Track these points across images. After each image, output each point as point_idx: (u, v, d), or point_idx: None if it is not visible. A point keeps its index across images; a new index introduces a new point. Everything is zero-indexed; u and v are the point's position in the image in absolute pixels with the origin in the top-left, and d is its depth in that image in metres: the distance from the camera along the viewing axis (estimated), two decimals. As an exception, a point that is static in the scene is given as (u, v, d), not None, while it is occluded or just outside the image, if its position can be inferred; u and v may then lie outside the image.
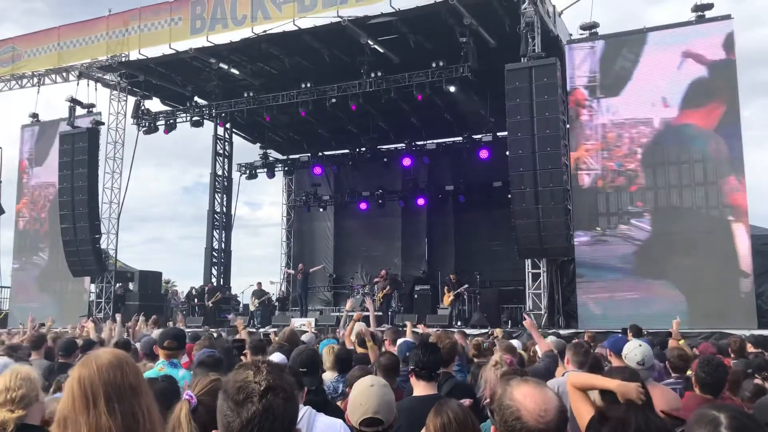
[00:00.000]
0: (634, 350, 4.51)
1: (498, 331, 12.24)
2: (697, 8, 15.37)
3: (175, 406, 2.51)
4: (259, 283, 21.50)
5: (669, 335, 11.15)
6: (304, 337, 8.37)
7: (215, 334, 10.90)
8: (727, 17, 15.21)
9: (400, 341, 6.53)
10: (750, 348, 7.75)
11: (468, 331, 14.83)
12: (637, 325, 10.75)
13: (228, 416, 1.75)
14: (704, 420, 1.97)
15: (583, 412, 3.06)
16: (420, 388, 3.98)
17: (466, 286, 18.70)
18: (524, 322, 7.38)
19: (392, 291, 19.61)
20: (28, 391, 2.97)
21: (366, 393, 2.84)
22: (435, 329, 11.03)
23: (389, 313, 18.78)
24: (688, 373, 5.89)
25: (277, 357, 5.22)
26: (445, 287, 19.11)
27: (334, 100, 18.90)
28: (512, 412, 2.03)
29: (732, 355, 7.37)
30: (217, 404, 1.83)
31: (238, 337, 8.94)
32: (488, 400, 4.14)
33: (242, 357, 5.82)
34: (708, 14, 15.38)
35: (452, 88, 17.12)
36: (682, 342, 10.02)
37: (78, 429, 2.04)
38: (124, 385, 2.09)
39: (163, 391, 3.32)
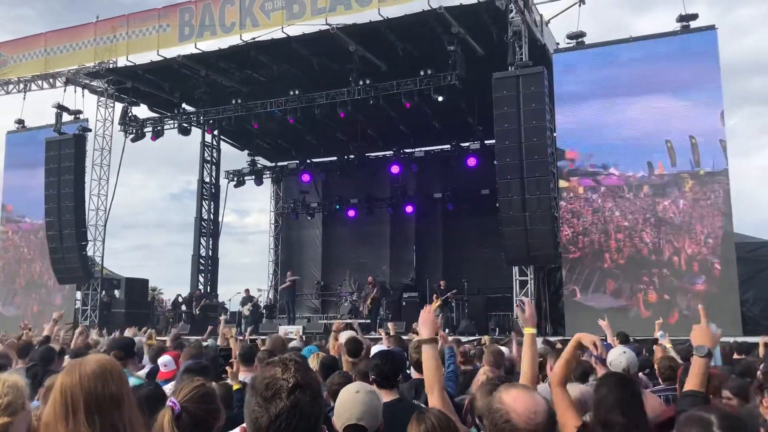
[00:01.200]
0: (619, 357, 4.54)
1: (486, 339, 12.27)
2: (681, 18, 15.54)
3: (159, 412, 2.51)
4: (247, 290, 21.44)
5: (655, 342, 11.23)
6: (292, 345, 8.35)
7: (207, 342, 10.82)
8: (712, 27, 15.39)
9: (374, 348, 6.52)
10: (734, 355, 7.82)
11: (456, 338, 14.84)
12: (624, 333, 10.79)
13: (256, 411, 1.80)
14: (695, 421, 1.99)
15: (568, 422, 3.06)
16: (383, 396, 3.99)
17: (454, 291, 18.72)
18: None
19: (380, 297, 19.61)
20: (14, 398, 2.94)
21: (351, 400, 2.85)
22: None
23: (377, 320, 18.77)
24: None
25: None
26: (434, 294, 19.11)
27: (318, 110, 18.94)
28: (502, 415, 2.06)
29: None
30: (245, 400, 1.88)
31: (224, 345, 8.88)
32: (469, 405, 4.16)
33: (228, 367, 5.78)
34: (693, 24, 15.55)
35: (440, 98, 17.18)
36: (669, 346, 10.07)
37: None
38: (105, 396, 2.08)
39: (147, 396, 3.31)
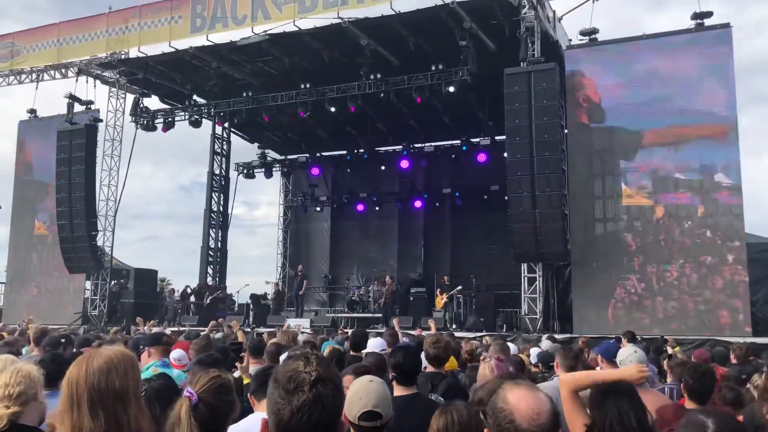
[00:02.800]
0: (630, 356, 4.52)
1: (487, 339, 12.19)
2: (696, 16, 15.43)
3: (173, 403, 2.52)
4: (276, 284, 21.66)
5: (664, 341, 11.21)
6: (304, 338, 8.37)
7: (217, 334, 10.85)
8: (726, 26, 15.28)
9: (375, 341, 6.52)
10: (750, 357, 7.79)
11: (463, 334, 14.86)
12: (631, 331, 10.78)
13: (279, 404, 1.84)
14: (692, 424, 2.00)
15: (577, 424, 3.04)
16: (399, 390, 4.06)
17: (459, 287, 18.71)
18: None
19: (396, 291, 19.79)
20: (26, 388, 2.95)
21: (365, 388, 2.88)
22: (429, 332, 11.04)
23: (382, 315, 18.85)
24: None
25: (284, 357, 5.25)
26: (438, 290, 19.12)
27: (332, 109, 18.92)
28: (506, 415, 2.04)
29: (735, 362, 7.40)
30: (267, 393, 1.91)
31: (233, 339, 8.92)
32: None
33: (238, 362, 5.81)
34: (707, 22, 15.44)
35: (451, 89, 17.13)
36: (677, 349, 10.07)
37: (65, 426, 2.09)
38: (108, 390, 2.10)
39: (159, 389, 3.32)
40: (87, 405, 2.06)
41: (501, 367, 4.73)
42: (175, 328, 16.71)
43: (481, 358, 5.25)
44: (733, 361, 7.58)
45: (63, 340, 6.64)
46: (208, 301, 21.39)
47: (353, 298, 21.20)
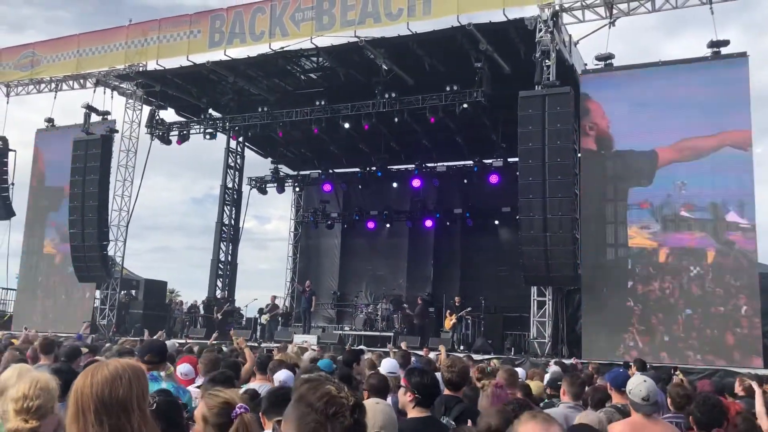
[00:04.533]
0: (639, 386, 4.47)
1: (494, 362, 12.11)
2: (713, 44, 15.41)
3: (175, 418, 2.54)
4: (273, 297, 21.58)
5: (674, 369, 11.10)
6: (306, 356, 8.35)
7: (223, 347, 10.88)
8: (743, 54, 15.25)
9: (389, 362, 6.53)
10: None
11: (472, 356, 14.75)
12: (641, 359, 10.67)
13: (317, 429, 1.83)
14: None
15: None
16: (415, 412, 4.06)
17: (469, 309, 18.63)
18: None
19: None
20: (45, 401, 2.95)
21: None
22: (437, 353, 10.99)
23: (392, 334, 18.78)
24: None
25: (282, 374, 5.23)
26: (448, 311, 19.04)
27: (347, 125, 19.01)
28: None
29: (742, 394, 7.29)
30: (295, 416, 1.88)
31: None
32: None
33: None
34: (724, 51, 15.42)
35: (465, 105, 17.19)
36: (680, 376, 9.95)
37: None
38: (113, 401, 2.12)
39: (159, 406, 3.31)
40: (92, 414, 2.09)
41: (497, 393, 4.69)
42: (183, 341, 16.71)
43: (480, 385, 5.20)
44: (739, 392, 7.47)
45: (86, 350, 6.63)
46: (220, 316, 21.44)
47: (361, 315, 21.16)
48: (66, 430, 2.16)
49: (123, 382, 2.16)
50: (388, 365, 6.36)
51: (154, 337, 12.13)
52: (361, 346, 15.41)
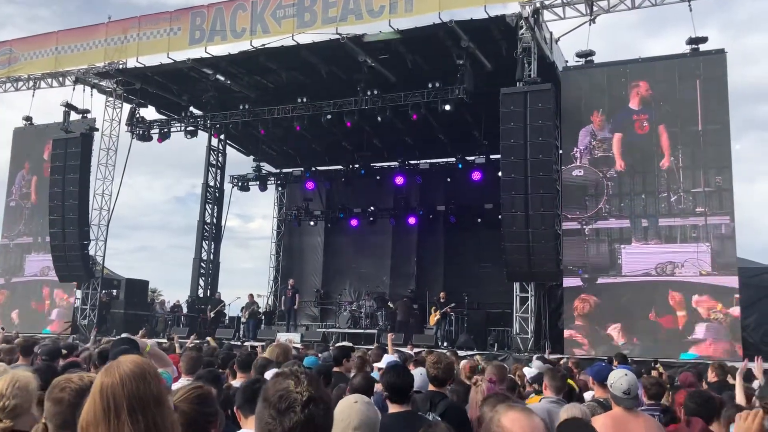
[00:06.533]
0: (620, 379, 4.50)
1: (477, 357, 12.16)
2: (691, 41, 15.57)
3: None
4: (251, 295, 21.46)
5: (655, 362, 11.20)
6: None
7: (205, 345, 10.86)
8: (721, 51, 15.41)
9: (388, 358, 6.55)
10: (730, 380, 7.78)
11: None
12: (623, 353, 10.78)
13: (269, 424, 1.83)
14: None
15: None
16: (394, 408, 4.10)
17: (452, 305, 18.69)
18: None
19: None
20: (22, 401, 2.89)
21: (348, 409, 2.88)
22: (422, 350, 11.02)
23: (376, 331, 18.80)
24: (663, 401, 5.94)
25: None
26: (432, 307, 19.09)
27: (329, 116, 18.93)
28: None
29: (714, 380, 7.44)
30: (256, 411, 1.90)
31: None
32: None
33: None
34: (702, 47, 15.58)
35: (447, 107, 17.21)
36: (659, 368, 10.05)
37: None
38: (147, 396, 2.06)
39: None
40: (127, 413, 2.00)
41: (492, 388, 4.72)
42: (164, 340, 16.60)
43: (472, 381, 5.22)
44: (712, 379, 7.61)
45: (65, 351, 6.55)
46: (213, 314, 21.38)
47: (345, 313, 21.15)
48: (89, 430, 2.07)
49: (152, 376, 2.11)
50: (387, 362, 6.37)
51: (134, 337, 12.04)
52: (347, 343, 15.42)
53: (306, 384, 1.86)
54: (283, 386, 1.86)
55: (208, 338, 15.15)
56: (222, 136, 24.75)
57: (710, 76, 15.26)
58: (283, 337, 17.34)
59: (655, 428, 4.53)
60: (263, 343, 13.29)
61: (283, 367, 5.40)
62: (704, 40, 15.51)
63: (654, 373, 8.37)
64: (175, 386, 5.22)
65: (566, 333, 15.57)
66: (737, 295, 14.32)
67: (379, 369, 5.70)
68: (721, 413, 4.70)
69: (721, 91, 15.16)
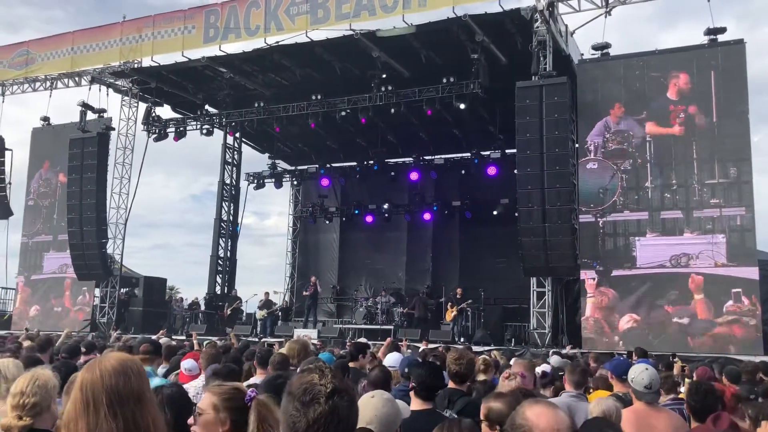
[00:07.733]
0: (641, 374, 4.46)
1: (495, 353, 12.12)
2: (709, 32, 15.38)
3: (185, 412, 2.54)
4: (266, 293, 21.53)
5: (673, 356, 11.09)
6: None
7: (219, 342, 10.93)
8: (740, 42, 15.22)
9: (393, 355, 6.53)
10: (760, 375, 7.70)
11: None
12: (642, 348, 10.68)
13: (294, 416, 1.85)
14: None
15: None
16: (417, 404, 4.06)
17: (470, 301, 18.64)
18: None
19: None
20: (41, 399, 2.91)
21: (364, 403, 2.87)
22: (438, 345, 10.99)
23: (393, 327, 18.79)
24: (680, 395, 5.89)
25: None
26: (449, 303, 19.04)
27: (344, 113, 18.91)
28: (525, 431, 2.03)
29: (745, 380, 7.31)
30: (281, 404, 1.93)
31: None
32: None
33: None
34: (720, 38, 15.39)
35: (462, 106, 17.13)
36: (678, 363, 9.95)
37: (78, 430, 2.04)
38: (127, 392, 2.08)
39: (171, 397, 3.31)
40: (105, 407, 2.03)
41: (524, 383, 4.69)
42: (182, 337, 16.71)
43: (504, 375, 5.17)
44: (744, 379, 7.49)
45: (84, 349, 6.60)
46: (230, 311, 21.49)
47: (361, 309, 21.16)
48: (66, 427, 2.09)
49: (134, 373, 2.13)
50: (391, 359, 6.36)
51: (154, 337, 12.17)
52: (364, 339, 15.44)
53: (330, 377, 1.89)
54: (307, 379, 1.89)
55: (229, 332, 15.23)
56: (237, 134, 24.82)
57: (729, 67, 15.08)
58: (300, 333, 17.38)
59: (678, 423, 4.48)
60: (281, 340, 13.35)
61: (306, 363, 5.43)
62: (723, 30, 15.32)
63: (676, 367, 8.27)
64: (195, 382, 5.27)
65: (583, 326, 15.48)
66: (757, 286, 14.19)
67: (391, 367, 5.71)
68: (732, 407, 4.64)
69: (740, 82, 14.98)
